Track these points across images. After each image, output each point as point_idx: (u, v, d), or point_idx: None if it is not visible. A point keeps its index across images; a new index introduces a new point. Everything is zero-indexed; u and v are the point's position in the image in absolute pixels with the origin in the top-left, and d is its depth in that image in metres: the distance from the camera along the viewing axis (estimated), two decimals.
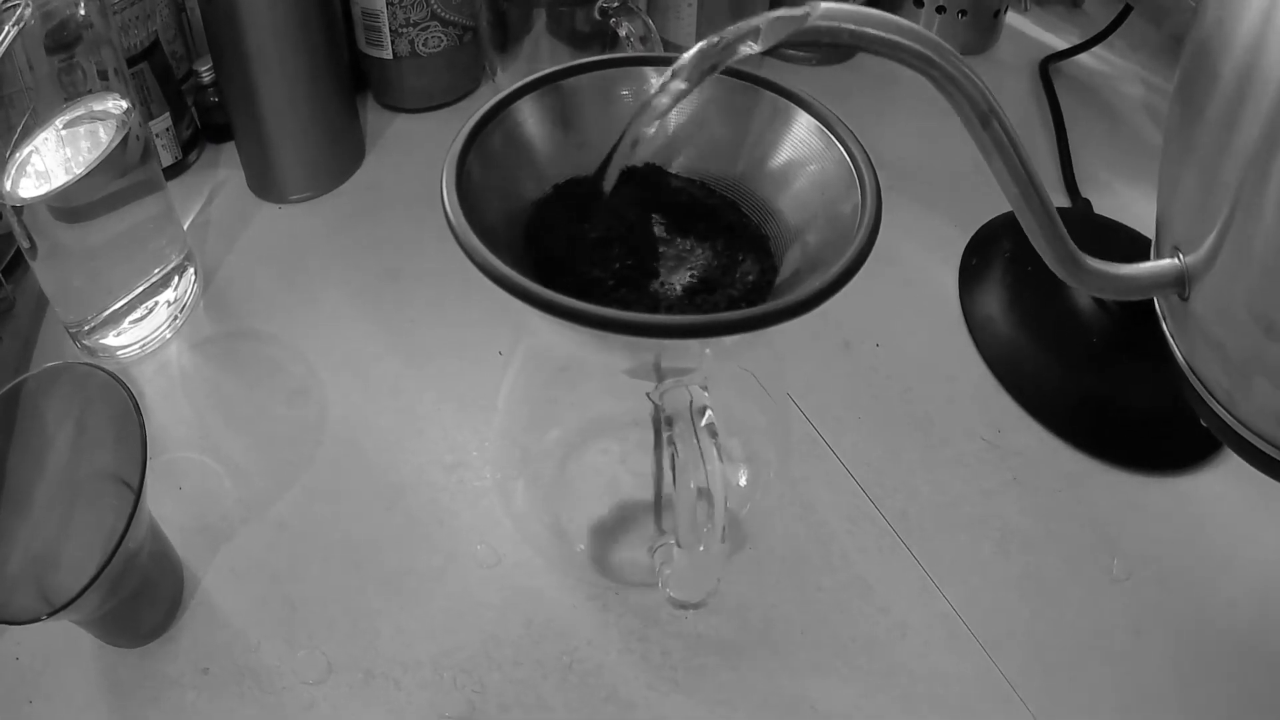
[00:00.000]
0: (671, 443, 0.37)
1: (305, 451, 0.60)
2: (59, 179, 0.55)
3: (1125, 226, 0.74)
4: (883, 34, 0.34)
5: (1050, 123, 0.84)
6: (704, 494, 0.37)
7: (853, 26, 0.33)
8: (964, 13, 0.89)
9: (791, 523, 0.57)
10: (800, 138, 0.41)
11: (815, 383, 0.64)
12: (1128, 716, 0.51)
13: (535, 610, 0.53)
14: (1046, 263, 0.48)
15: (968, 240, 0.74)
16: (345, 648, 0.52)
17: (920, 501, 0.59)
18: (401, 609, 0.53)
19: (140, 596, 0.50)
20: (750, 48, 0.34)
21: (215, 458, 0.59)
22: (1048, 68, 0.90)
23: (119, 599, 0.48)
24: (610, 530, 0.53)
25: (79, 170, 0.55)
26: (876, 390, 0.65)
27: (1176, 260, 0.47)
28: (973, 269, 0.71)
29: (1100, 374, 0.64)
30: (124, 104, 0.59)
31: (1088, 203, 0.77)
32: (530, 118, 0.42)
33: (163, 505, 0.54)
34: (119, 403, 0.47)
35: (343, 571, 0.55)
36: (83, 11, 0.54)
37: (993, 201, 0.72)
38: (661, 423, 0.38)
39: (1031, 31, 0.98)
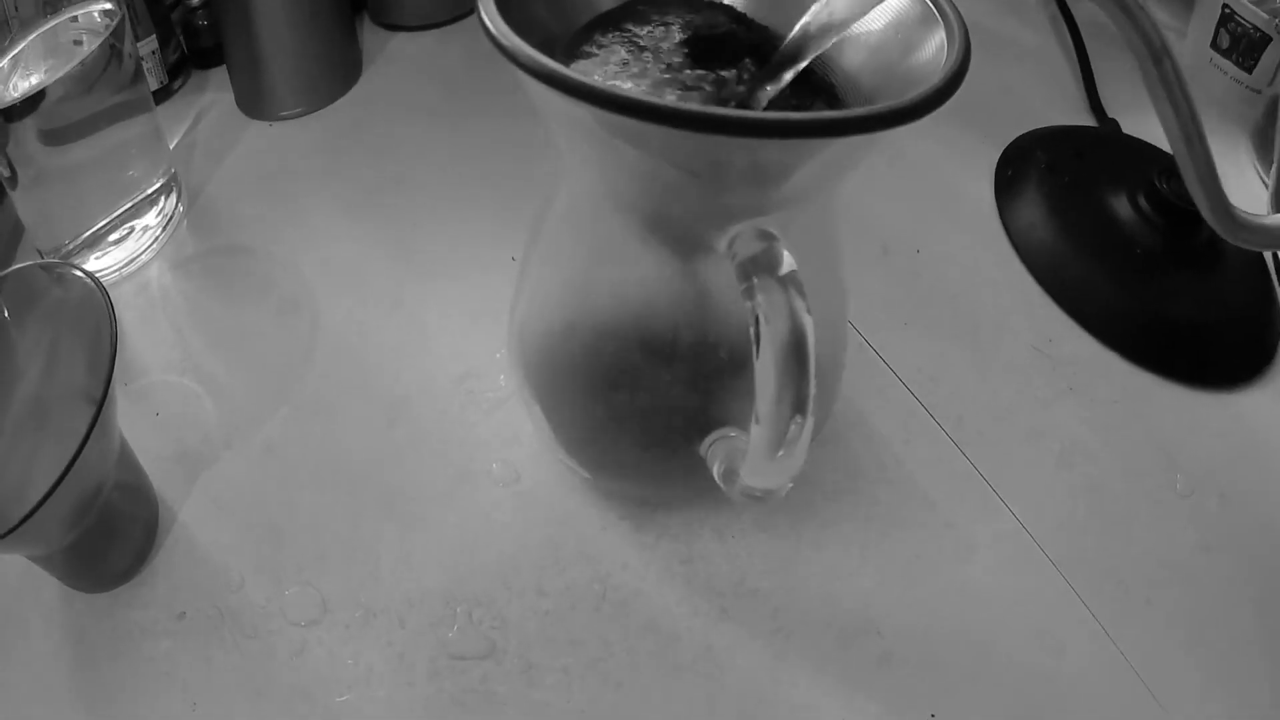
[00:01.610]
0: (750, 296, 0.27)
1: (296, 368, 0.48)
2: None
3: (1153, 145, 0.65)
4: None
5: (1071, 49, 0.74)
6: (789, 355, 0.27)
7: None
8: None
9: (843, 431, 0.46)
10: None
11: (855, 287, 0.53)
12: (1203, 637, 0.42)
13: (561, 533, 0.43)
14: (1200, 210, 0.41)
15: (999, 154, 0.64)
16: (341, 582, 0.41)
17: (976, 410, 0.49)
18: (406, 536, 0.42)
19: (108, 533, 0.40)
20: None
21: (196, 379, 0.48)
22: None
23: (83, 531, 0.38)
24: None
25: (67, 68, 0.46)
26: (920, 296, 0.54)
27: None
28: (1009, 180, 0.62)
29: (1147, 286, 0.55)
30: (109, 5, 0.49)
31: (1116, 123, 0.68)
32: None
33: (137, 433, 0.43)
34: (94, 311, 0.37)
35: (338, 496, 0.44)
36: None
37: (1020, 121, 0.65)
38: (737, 273, 0.28)
39: None
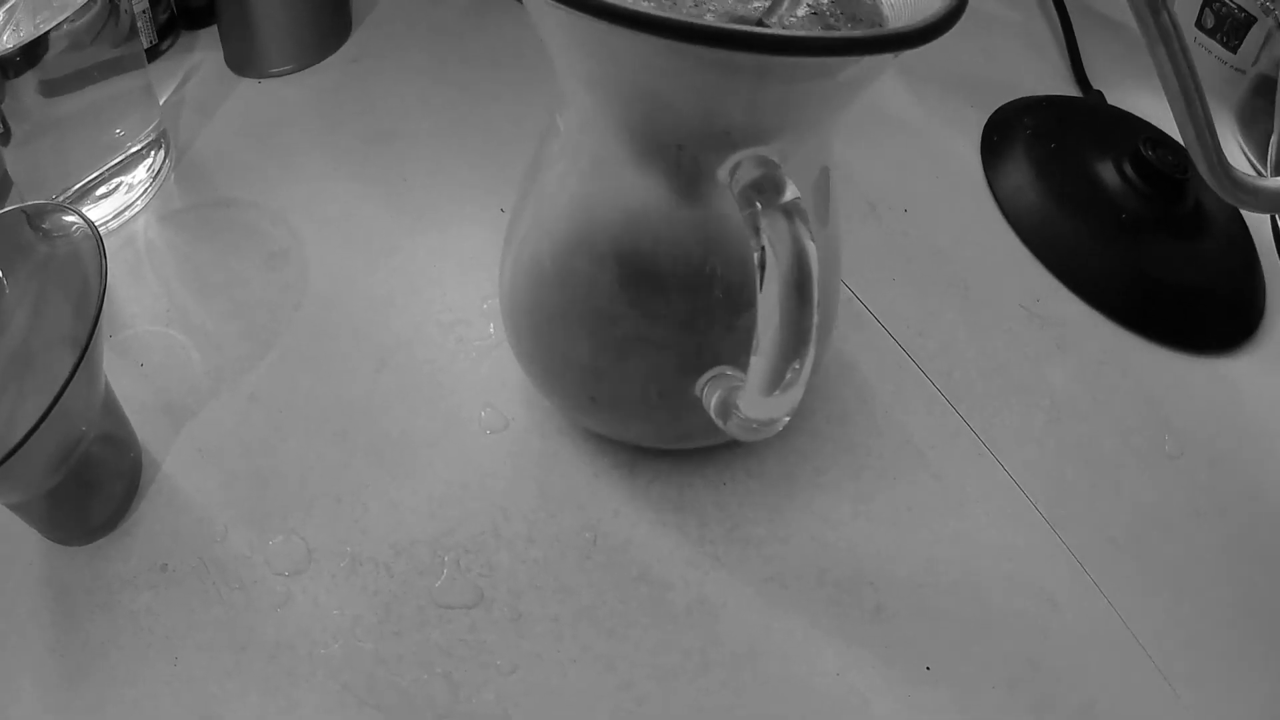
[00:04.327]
0: (754, 221, 0.25)
1: (283, 315, 0.46)
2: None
3: (1137, 117, 0.63)
4: None
5: (1057, 23, 0.73)
6: (793, 282, 0.25)
7: None
8: None
9: (834, 383, 0.45)
10: None
11: (843, 243, 0.52)
12: (1191, 593, 0.41)
13: (551, 480, 0.41)
14: (1197, 166, 0.41)
15: (986, 120, 0.62)
16: (327, 530, 0.39)
17: (966, 365, 0.47)
18: (393, 482, 0.40)
19: (90, 482, 0.38)
20: None
21: (182, 329, 0.46)
22: None
23: (64, 477, 0.36)
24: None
25: (61, 19, 0.44)
26: (909, 254, 0.53)
27: None
28: (995, 145, 0.60)
29: (1133, 249, 0.54)
30: None
31: (1100, 94, 0.67)
32: None
33: (121, 384, 0.41)
34: (81, 253, 0.35)
35: (324, 443, 0.42)
36: None
37: (1006, 89, 0.64)
38: (739, 200, 0.26)
39: None
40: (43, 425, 0.31)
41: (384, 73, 0.62)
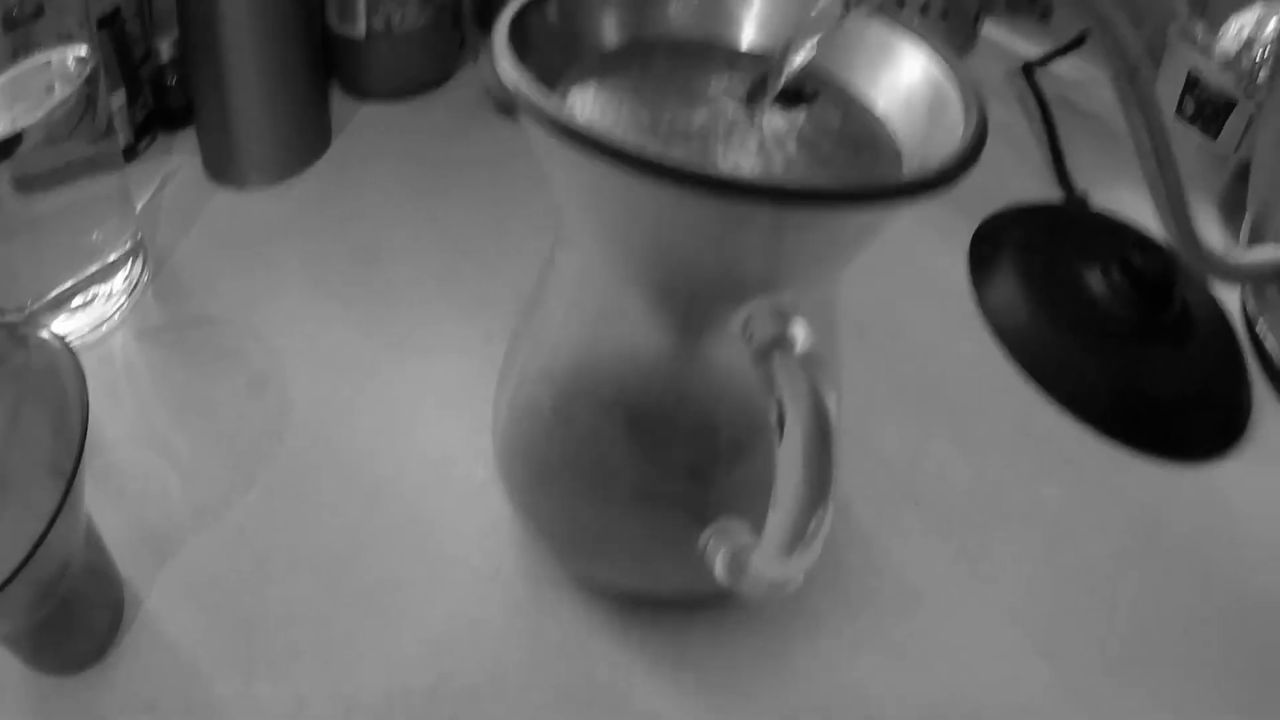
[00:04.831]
0: (771, 378, 0.25)
1: (267, 447, 0.46)
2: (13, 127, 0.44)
3: (1123, 221, 0.65)
4: None
5: (1039, 125, 0.75)
6: (814, 439, 0.25)
7: None
8: (945, 15, 0.79)
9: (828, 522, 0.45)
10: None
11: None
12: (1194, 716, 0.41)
13: (545, 626, 0.40)
14: (1168, 235, 0.43)
15: (973, 231, 0.64)
16: (318, 678, 0.38)
17: (959, 493, 0.48)
18: (384, 627, 0.40)
19: (73, 614, 0.37)
20: None
21: (163, 455, 0.45)
22: (1032, 70, 0.81)
23: (48, 611, 0.35)
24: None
25: (40, 113, 0.44)
26: (899, 380, 0.53)
27: None
28: (983, 258, 0.61)
29: (1122, 362, 0.55)
30: (84, 53, 0.47)
31: (1086, 195, 0.69)
32: None
33: (102, 511, 0.40)
34: (60, 377, 0.35)
35: (312, 583, 0.41)
36: None
37: (991, 196, 0.65)
38: (754, 356, 0.26)
39: (1006, 41, 0.88)
40: (28, 566, 0.30)
41: (364, 190, 0.62)
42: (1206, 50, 0.72)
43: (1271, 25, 0.69)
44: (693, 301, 0.30)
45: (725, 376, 0.32)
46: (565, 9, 0.31)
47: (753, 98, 0.31)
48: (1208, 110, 0.72)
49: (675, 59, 0.32)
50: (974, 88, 0.28)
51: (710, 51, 0.33)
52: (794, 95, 0.31)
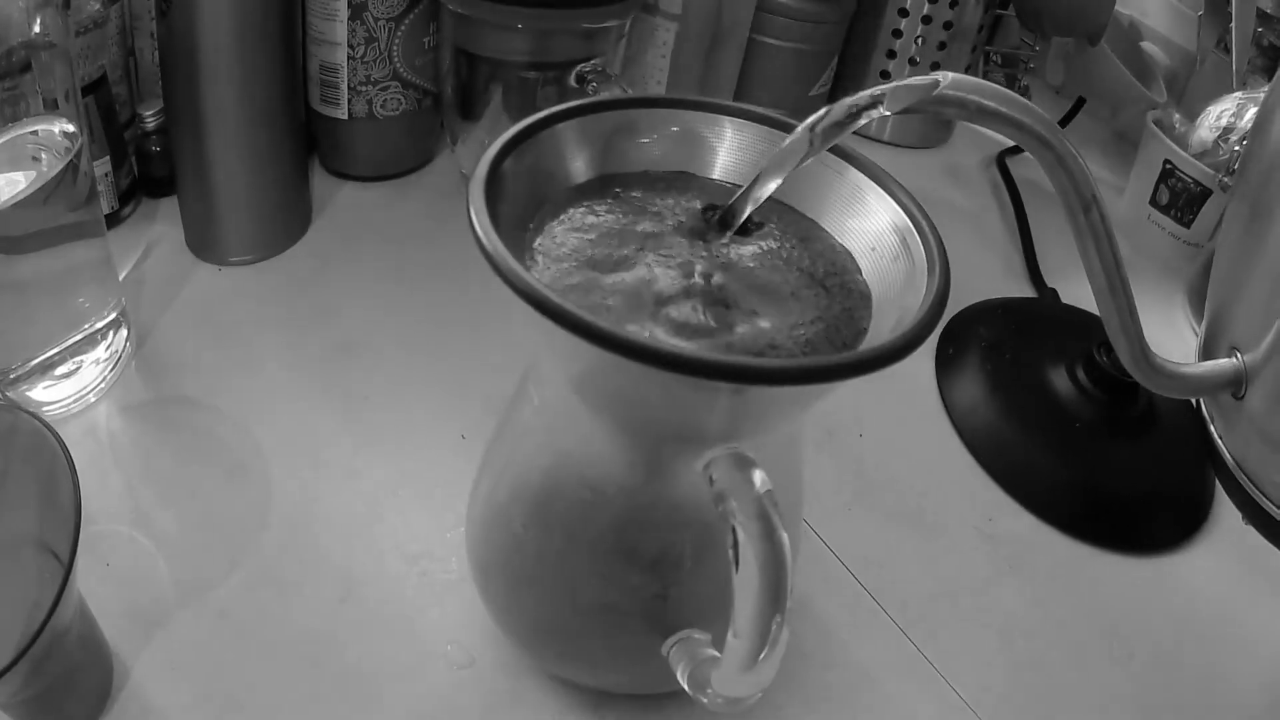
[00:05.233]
0: (729, 517, 0.28)
1: (249, 533, 0.48)
2: None
3: (1091, 316, 0.67)
4: (1005, 110, 0.32)
5: (1011, 214, 0.77)
6: (768, 574, 0.28)
7: (978, 99, 0.31)
8: None
9: (789, 618, 0.47)
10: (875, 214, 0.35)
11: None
12: None
13: (522, 718, 0.42)
14: (1120, 355, 0.45)
15: (941, 329, 0.66)
16: None
17: (919, 593, 0.50)
18: (364, 715, 0.42)
19: (66, 685, 0.38)
20: (879, 111, 0.32)
21: (147, 534, 0.47)
22: (1005, 160, 0.83)
23: (43, 685, 0.37)
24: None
25: (29, 190, 0.45)
26: (865, 480, 0.56)
27: (1235, 360, 0.46)
28: (950, 358, 0.64)
29: (1085, 459, 0.58)
30: (71, 129, 0.48)
31: (1054, 292, 0.71)
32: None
33: (88, 582, 0.42)
34: (47, 455, 0.37)
35: (294, 669, 0.43)
36: (38, 28, 0.44)
37: (960, 289, 0.65)
38: (713, 497, 0.29)
39: (982, 129, 0.90)
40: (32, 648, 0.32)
41: (346, 272, 0.65)
42: (1183, 140, 0.74)
43: (1249, 114, 0.71)
44: (658, 445, 0.33)
45: (690, 507, 0.35)
46: (539, 153, 0.34)
47: (723, 226, 0.34)
48: (1182, 200, 0.74)
49: (646, 189, 0.36)
50: (936, 243, 0.31)
51: (679, 181, 0.36)
52: (755, 227, 0.35)
